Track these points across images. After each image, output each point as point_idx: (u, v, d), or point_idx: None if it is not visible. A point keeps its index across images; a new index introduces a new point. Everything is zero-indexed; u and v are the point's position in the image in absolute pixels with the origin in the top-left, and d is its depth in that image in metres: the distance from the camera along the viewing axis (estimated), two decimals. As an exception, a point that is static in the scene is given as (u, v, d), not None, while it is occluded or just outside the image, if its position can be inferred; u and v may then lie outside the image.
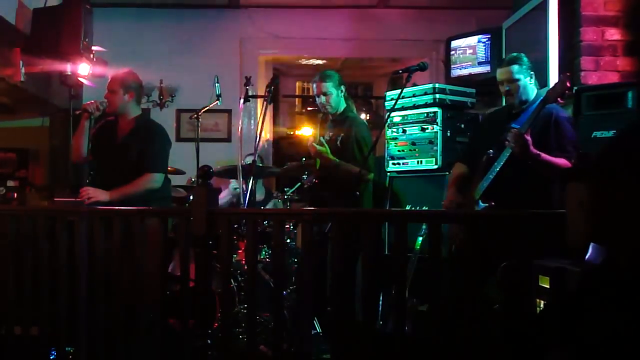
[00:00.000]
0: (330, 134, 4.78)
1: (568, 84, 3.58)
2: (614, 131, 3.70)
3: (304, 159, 4.87)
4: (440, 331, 3.11)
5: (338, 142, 4.70)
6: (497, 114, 4.30)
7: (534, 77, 3.97)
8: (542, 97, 3.79)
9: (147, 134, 4.51)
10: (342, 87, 4.80)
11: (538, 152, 3.58)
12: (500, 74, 3.97)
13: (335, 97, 4.76)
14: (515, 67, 3.89)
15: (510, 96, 3.94)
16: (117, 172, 4.39)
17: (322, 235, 3.97)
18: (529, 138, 3.56)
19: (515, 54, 4.01)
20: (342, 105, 4.84)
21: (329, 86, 4.73)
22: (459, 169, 4.25)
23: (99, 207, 4.03)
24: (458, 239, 3.80)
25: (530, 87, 3.94)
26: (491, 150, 3.85)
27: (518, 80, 3.89)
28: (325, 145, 4.64)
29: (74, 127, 4.52)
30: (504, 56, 5.31)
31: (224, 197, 5.93)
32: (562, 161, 3.65)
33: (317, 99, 4.84)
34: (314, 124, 8.03)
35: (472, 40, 5.84)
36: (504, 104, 5.10)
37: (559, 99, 3.65)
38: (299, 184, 5.25)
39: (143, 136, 4.46)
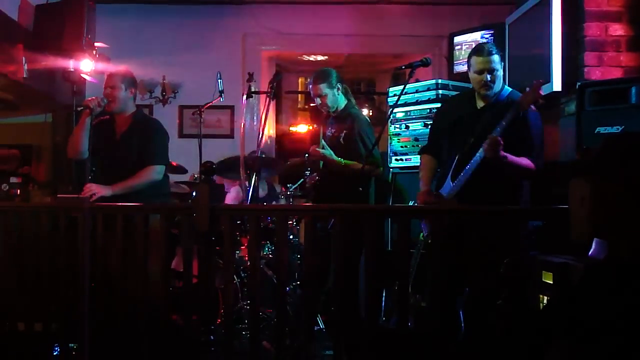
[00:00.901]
0: (333, 130, 4.75)
1: (540, 92, 3.56)
2: (618, 127, 3.69)
3: (306, 154, 4.84)
4: (438, 326, 3.11)
5: (341, 140, 4.66)
6: (458, 104, 4.15)
7: (502, 68, 3.92)
8: (510, 95, 3.81)
9: (146, 128, 4.54)
10: (339, 85, 4.72)
11: (505, 155, 3.55)
12: (481, 62, 3.82)
13: (331, 96, 4.69)
14: (496, 57, 3.81)
15: (487, 87, 3.83)
16: (119, 168, 4.41)
17: (325, 231, 3.97)
18: (500, 141, 3.54)
19: (490, 43, 3.95)
20: (342, 102, 4.78)
21: (323, 87, 4.66)
22: (429, 161, 4.14)
23: (102, 203, 4.03)
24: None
25: (501, 78, 3.90)
26: (460, 150, 3.81)
27: (497, 70, 3.82)
28: (327, 147, 4.61)
29: (76, 123, 4.52)
30: (507, 52, 5.30)
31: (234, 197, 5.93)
32: (525, 161, 3.64)
33: (314, 99, 4.80)
34: (316, 121, 8.05)
35: (475, 36, 5.83)
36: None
37: (532, 106, 3.63)
38: (302, 180, 5.24)
39: (142, 131, 4.49)
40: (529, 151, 3.69)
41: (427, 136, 5.10)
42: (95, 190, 4.20)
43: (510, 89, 3.94)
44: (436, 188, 3.93)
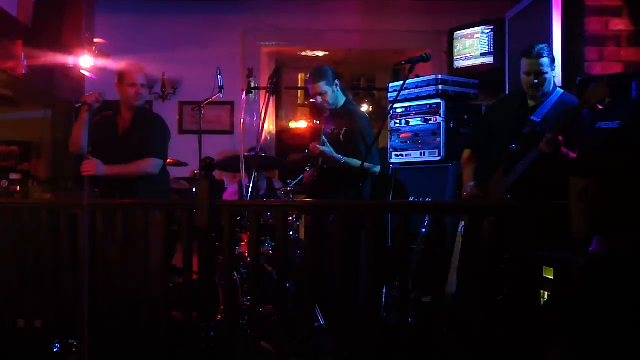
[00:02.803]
0: (332, 127, 4.74)
1: (607, 89, 3.42)
2: (618, 122, 3.69)
3: (306, 150, 4.84)
4: (443, 322, 3.11)
5: (341, 136, 4.66)
6: (509, 102, 4.20)
7: (554, 69, 3.94)
8: (562, 97, 3.81)
9: (148, 123, 4.57)
10: (337, 81, 4.73)
11: (567, 152, 3.56)
12: (529, 65, 3.86)
13: (331, 93, 4.70)
14: (546, 61, 3.82)
15: (535, 89, 3.86)
16: (122, 162, 4.41)
17: (325, 227, 3.96)
18: (560, 139, 3.54)
19: (542, 45, 3.87)
20: (341, 99, 4.78)
21: (322, 85, 4.67)
22: (472, 159, 4.19)
23: (102, 200, 4.04)
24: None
25: (553, 81, 3.91)
26: (514, 145, 3.81)
27: (546, 73, 3.83)
28: (327, 143, 4.60)
29: (76, 119, 4.53)
30: (507, 47, 5.30)
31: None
32: None
33: (315, 99, 4.79)
34: (316, 117, 8.04)
35: (475, 31, 5.82)
36: (507, 92, 5.08)
37: (598, 105, 3.48)
38: (302, 176, 5.23)
39: (143, 125, 4.52)
40: (580, 145, 3.68)
41: (426, 132, 5.13)
42: (89, 168, 4.24)
43: (562, 91, 3.95)
44: (481, 183, 3.94)
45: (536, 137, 3.65)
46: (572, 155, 3.59)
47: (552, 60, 3.88)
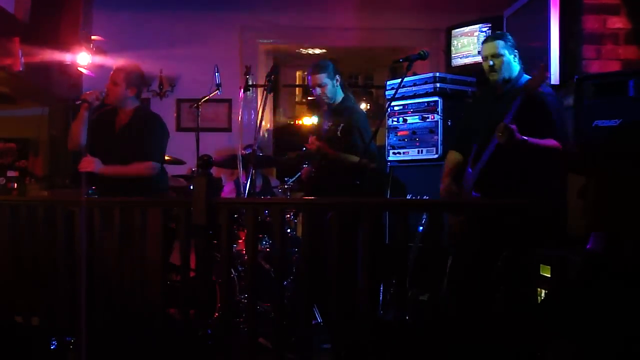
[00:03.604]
0: (330, 123, 4.74)
1: (547, 74, 3.66)
2: (616, 120, 3.69)
3: (304, 148, 4.84)
4: (440, 320, 3.11)
5: (338, 132, 4.66)
6: (482, 96, 4.29)
7: (517, 56, 3.98)
8: (523, 84, 3.82)
9: (146, 124, 4.52)
10: (337, 76, 4.73)
11: (524, 138, 3.57)
12: (484, 49, 3.98)
13: (331, 87, 4.70)
14: (500, 42, 3.91)
15: (494, 72, 3.93)
16: (117, 161, 4.40)
17: (322, 224, 3.96)
18: (513, 127, 3.55)
19: (499, 32, 4.02)
20: (340, 95, 4.78)
21: (322, 77, 4.66)
22: (453, 156, 4.23)
23: (99, 198, 4.04)
24: (458, 225, 3.80)
25: (514, 65, 3.95)
26: (478, 139, 3.86)
27: (502, 55, 3.90)
28: (324, 139, 4.59)
29: (74, 116, 4.52)
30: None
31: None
32: (550, 142, 3.67)
33: (313, 91, 4.79)
34: (314, 114, 8.04)
35: (473, 29, 5.81)
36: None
37: (541, 88, 3.70)
38: (299, 173, 5.23)
39: (142, 126, 4.48)
40: (552, 132, 3.72)
41: (424, 129, 5.14)
42: (86, 166, 4.23)
43: (528, 77, 3.96)
44: (457, 179, 4.01)
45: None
46: (532, 140, 3.60)
47: (512, 45, 3.94)
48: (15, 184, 6.32)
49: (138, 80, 4.57)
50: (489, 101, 4.05)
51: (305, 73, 5.14)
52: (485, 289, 3.19)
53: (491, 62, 3.91)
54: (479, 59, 5.69)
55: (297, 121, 9.98)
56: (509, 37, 3.98)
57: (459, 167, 4.11)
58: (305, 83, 4.91)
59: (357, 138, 4.58)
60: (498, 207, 3.35)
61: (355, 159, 4.40)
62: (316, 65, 4.75)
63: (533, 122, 3.64)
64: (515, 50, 3.96)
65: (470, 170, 3.88)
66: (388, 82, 5.62)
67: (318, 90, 4.70)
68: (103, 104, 4.51)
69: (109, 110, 4.60)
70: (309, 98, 9.56)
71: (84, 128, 4.37)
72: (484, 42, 4.03)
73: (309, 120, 9.68)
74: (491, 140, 3.71)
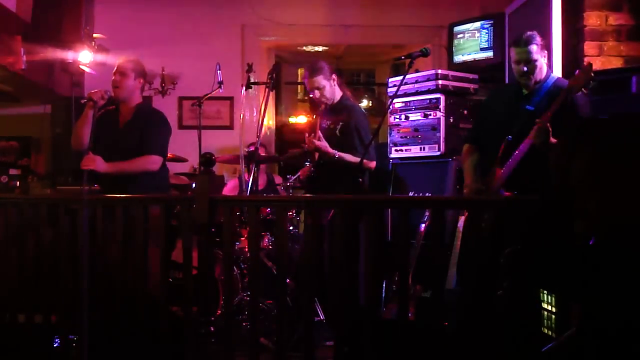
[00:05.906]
0: (329, 122, 4.71)
1: (592, 74, 3.51)
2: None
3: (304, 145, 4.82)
4: (444, 318, 3.11)
5: (337, 131, 4.64)
6: (503, 93, 4.19)
7: (546, 55, 3.93)
8: (556, 83, 3.79)
9: (149, 119, 4.52)
10: (334, 76, 4.71)
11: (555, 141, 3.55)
12: (517, 52, 3.85)
13: (328, 88, 4.66)
14: (534, 47, 3.80)
15: (527, 77, 3.85)
16: (120, 157, 4.39)
17: (324, 222, 3.96)
18: (550, 129, 3.53)
19: (530, 32, 3.87)
20: (338, 94, 4.76)
21: (319, 80, 4.63)
22: (471, 152, 4.16)
23: (101, 195, 4.03)
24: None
25: (545, 67, 3.90)
26: (510, 137, 3.80)
27: (536, 60, 3.81)
28: (322, 138, 4.57)
29: (76, 115, 4.50)
30: (506, 41, 5.29)
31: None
32: None
33: (312, 94, 4.77)
34: (315, 112, 8.03)
35: (475, 26, 5.80)
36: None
37: (583, 89, 3.58)
38: (299, 173, 5.22)
39: (144, 121, 4.47)
40: None
41: (426, 127, 5.13)
42: (89, 163, 4.15)
43: (556, 77, 3.93)
44: (481, 177, 3.94)
45: (530, 126, 3.64)
46: None
47: (542, 46, 3.86)
48: (18, 182, 6.33)
49: (143, 72, 4.57)
50: (512, 100, 3.98)
51: (304, 70, 5.12)
52: (493, 287, 3.18)
53: (525, 68, 3.82)
54: (481, 55, 5.72)
55: (299, 118, 9.96)
56: (539, 38, 3.87)
57: (478, 163, 4.07)
58: (305, 83, 4.88)
59: (355, 137, 4.56)
60: (507, 202, 3.35)
61: (353, 158, 4.40)
62: (311, 68, 4.71)
63: (561, 123, 3.60)
64: (545, 51, 3.89)
65: (499, 169, 3.81)
66: (390, 79, 5.61)
67: (316, 92, 4.69)
68: (107, 103, 4.50)
69: (110, 110, 4.59)
70: (310, 96, 9.55)
71: (88, 127, 4.35)
72: (516, 45, 3.86)
73: (310, 118, 9.67)
74: (523, 140, 3.66)
